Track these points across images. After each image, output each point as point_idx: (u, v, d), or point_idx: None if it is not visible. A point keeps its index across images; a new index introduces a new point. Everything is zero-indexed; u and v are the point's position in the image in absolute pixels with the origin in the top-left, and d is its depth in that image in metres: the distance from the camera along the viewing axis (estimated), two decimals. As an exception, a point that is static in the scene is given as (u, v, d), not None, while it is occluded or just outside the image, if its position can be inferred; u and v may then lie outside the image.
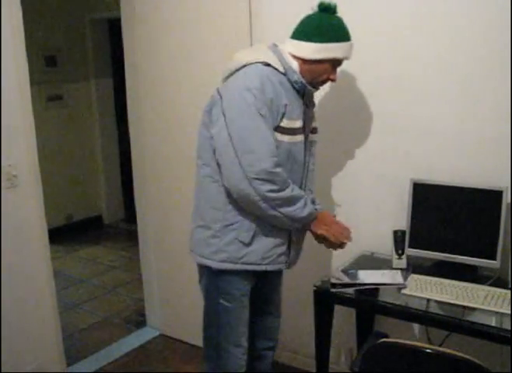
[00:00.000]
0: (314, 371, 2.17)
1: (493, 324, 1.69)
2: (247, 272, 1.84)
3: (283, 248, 1.86)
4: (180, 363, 2.80)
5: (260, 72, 1.70)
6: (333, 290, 1.96)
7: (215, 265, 1.82)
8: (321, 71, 1.78)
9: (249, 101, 1.65)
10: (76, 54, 4.87)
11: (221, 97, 1.73)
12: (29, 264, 2.35)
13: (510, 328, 1.65)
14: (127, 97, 2.93)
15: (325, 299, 2.01)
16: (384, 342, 1.55)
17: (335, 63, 1.79)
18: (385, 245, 2.21)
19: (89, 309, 3.47)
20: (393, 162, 2.23)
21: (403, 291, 1.90)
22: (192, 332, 2.94)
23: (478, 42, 1.96)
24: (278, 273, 2.08)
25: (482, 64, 1.97)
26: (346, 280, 2.00)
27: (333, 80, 1.83)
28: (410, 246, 2.11)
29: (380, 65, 2.17)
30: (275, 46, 1.82)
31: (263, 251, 1.81)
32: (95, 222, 5.22)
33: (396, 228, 2.15)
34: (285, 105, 1.71)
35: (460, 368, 1.41)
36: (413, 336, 2.30)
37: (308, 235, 1.93)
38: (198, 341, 2.92)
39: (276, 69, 1.74)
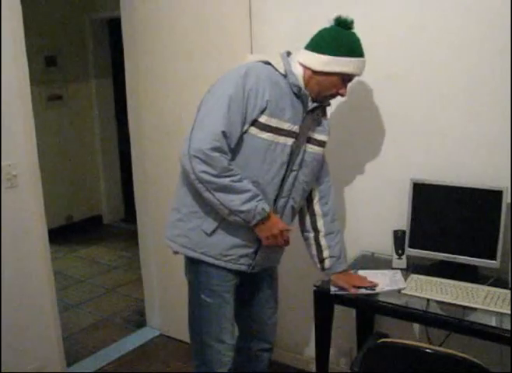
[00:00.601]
0: (314, 371, 2.17)
1: (493, 324, 1.69)
2: (224, 268, 1.82)
3: (247, 250, 1.82)
4: (180, 363, 2.80)
5: (250, 65, 1.72)
6: (332, 292, 1.96)
7: (175, 248, 1.85)
8: (330, 85, 1.77)
9: (223, 87, 1.69)
10: (76, 54, 4.87)
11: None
12: (29, 264, 2.35)
13: (510, 328, 1.65)
14: (127, 97, 2.93)
15: (325, 299, 2.00)
16: (383, 342, 1.55)
17: (345, 78, 1.78)
18: (385, 245, 2.21)
19: (89, 309, 3.47)
20: (393, 162, 2.23)
21: (403, 291, 1.90)
22: (192, 332, 2.94)
23: (478, 42, 1.96)
24: (268, 275, 2.04)
25: (482, 64, 1.97)
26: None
27: (342, 95, 1.81)
28: (410, 246, 2.11)
29: (381, 66, 2.16)
30: (288, 53, 1.84)
31: (222, 247, 1.79)
32: (95, 222, 5.22)
33: (396, 228, 2.15)
34: (267, 101, 1.69)
35: (460, 368, 1.41)
36: (413, 336, 2.31)
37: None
38: (198, 341, 2.93)
39: (277, 69, 1.75)
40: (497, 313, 1.74)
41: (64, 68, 4.79)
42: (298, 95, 1.77)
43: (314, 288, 2.03)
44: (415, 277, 2.00)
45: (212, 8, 2.44)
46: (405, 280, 1.98)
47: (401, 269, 2.08)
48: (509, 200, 1.94)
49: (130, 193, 3.39)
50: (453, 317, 1.74)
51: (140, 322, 3.23)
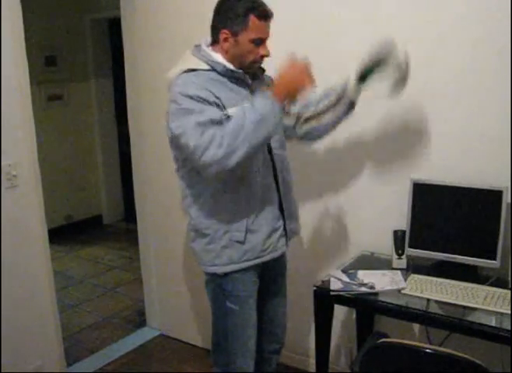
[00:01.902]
0: (314, 371, 2.17)
1: (493, 324, 1.69)
2: (249, 271, 1.84)
3: (279, 232, 1.88)
4: (180, 363, 2.80)
5: (179, 81, 1.72)
6: (332, 292, 1.96)
7: (220, 270, 1.83)
8: (244, 53, 1.75)
9: (180, 102, 1.67)
10: (76, 54, 4.87)
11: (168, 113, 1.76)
12: (29, 264, 2.35)
13: (510, 328, 1.65)
14: (127, 97, 2.93)
15: (325, 299, 2.00)
16: (383, 342, 1.55)
17: (255, 41, 1.74)
18: (385, 245, 2.21)
19: (89, 309, 3.47)
20: (393, 162, 2.23)
21: (403, 291, 1.90)
22: (192, 332, 2.94)
23: (478, 42, 1.96)
24: (281, 275, 2.08)
25: (482, 63, 1.97)
26: (346, 279, 2.00)
27: (264, 56, 1.78)
28: (410, 246, 2.11)
29: (380, 65, 2.17)
30: (197, 46, 1.82)
31: (261, 244, 1.82)
32: (95, 222, 5.22)
33: (396, 228, 2.15)
34: (218, 97, 1.68)
35: (460, 368, 1.41)
36: (413, 336, 2.30)
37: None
38: (198, 341, 2.93)
39: (201, 69, 1.74)
40: (497, 313, 1.73)
41: (64, 68, 4.79)
42: (233, 77, 1.76)
43: (314, 288, 2.02)
44: (415, 277, 2.00)
45: (212, 8, 2.43)
46: (405, 280, 1.98)
47: (401, 269, 2.08)
48: (509, 200, 1.94)
49: (130, 193, 3.39)
50: (453, 317, 1.74)
51: (140, 322, 3.23)
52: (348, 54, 2.27)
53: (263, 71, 1.91)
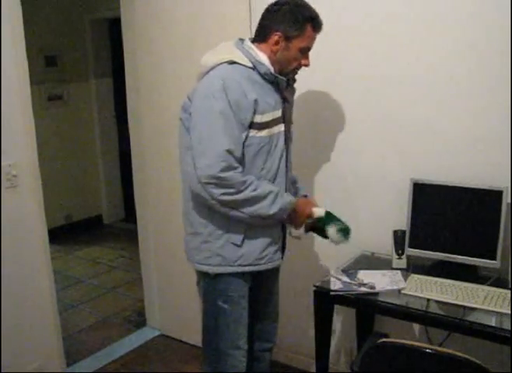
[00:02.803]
0: (314, 371, 2.17)
1: (493, 324, 1.69)
2: (243, 273, 1.83)
3: (278, 244, 1.87)
4: (180, 363, 2.80)
5: (223, 73, 1.69)
6: (332, 292, 1.96)
7: (212, 270, 1.81)
8: (290, 59, 1.76)
9: (209, 106, 1.66)
10: (76, 54, 4.87)
11: (191, 103, 1.75)
12: (29, 264, 2.35)
13: (510, 328, 1.65)
14: (127, 97, 2.93)
15: (325, 299, 2.00)
16: (383, 342, 1.55)
17: (302, 50, 1.76)
18: (385, 245, 2.21)
19: (89, 309, 3.47)
20: (393, 162, 2.23)
21: (403, 291, 1.90)
22: (192, 332, 2.94)
23: (478, 42, 1.96)
24: (273, 274, 2.05)
25: (482, 64, 1.97)
26: (346, 279, 2.00)
27: (306, 65, 1.80)
28: (410, 246, 2.11)
29: (381, 66, 2.17)
30: (241, 41, 1.80)
31: (258, 251, 1.81)
32: (95, 222, 5.21)
33: (396, 228, 2.15)
34: (255, 100, 1.68)
35: (460, 368, 1.41)
36: (413, 336, 2.30)
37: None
38: (198, 341, 2.92)
39: (243, 65, 1.72)
40: (497, 313, 1.74)
41: (64, 68, 4.79)
42: (272, 81, 1.76)
43: (314, 288, 2.02)
44: (415, 277, 2.00)
45: (211, 8, 2.44)
46: (405, 280, 1.98)
47: (401, 269, 2.08)
48: (509, 200, 1.94)
49: (130, 193, 3.39)
50: (453, 317, 1.74)
51: (140, 322, 3.23)
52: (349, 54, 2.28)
53: (294, 80, 1.91)
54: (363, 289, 1.93)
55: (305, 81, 2.36)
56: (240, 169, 1.68)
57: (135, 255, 3.66)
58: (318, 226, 1.90)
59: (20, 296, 2.33)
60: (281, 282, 2.17)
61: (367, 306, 1.97)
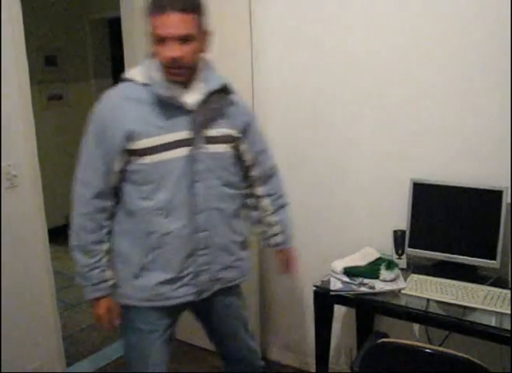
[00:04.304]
0: (314, 371, 2.17)
1: (493, 324, 1.69)
2: (151, 309, 1.64)
3: (183, 280, 1.62)
4: (180, 363, 2.79)
5: (105, 94, 1.60)
6: (332, 292, 1.96)
7: (117, 299, 1.67)
8: (159, 57, 1.49)
9: (88, 130, 1.60)
10: (76, 54, 4.87)
11: None
12: (29, 264, 2.35)
13: (510, 328, 1.65)
14: (127, 97, 2.92)
15: (325, 299, 2.01)
16: (383, 342, 1.55)
17: (157, 40, 1.47)
18: (385, 245, 2.21)
19: (89, 309, 3.46)
20: (393, 162, 2.23)
21: (403, 291, 1.90)
22: (192, 332, 2.94)
23: (478, 42, 1.96)
24: (226, 298, 1.77)
25: (483, 63, 1.97)
26: (346, 279, 2.00)
27: (166, 58, 1.47)
28: (410, 246, 2.11)
29: (380, 66, 2.17)
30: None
31: (152, 287, 1.61)
32: (95, 222, 5.20)
33: (396, 228, 2.15)
34: (129, 128, 1.50)
35: (460, 368, 1.41)
36: (413, 336, 2.30)
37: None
38: (198, 341, 2.93)
39: (136, 81, 1.55)
40: (497, 313, 1.74)
41: (64, 68, 4.79)
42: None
43: (314, 288, 2.03)
44: (415, 277, 2.00)
45: (211, 8, 2.43)
46: (405, 280, 1.98)
47: (400, 269, 2.08)
48: (509, 200, 1.94)
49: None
50: (453, 317, 1.74)
51: (140, 322, 3.23)
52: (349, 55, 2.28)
53: (225, 90, 1.62)
54: (363, 289, 1.93)
55: (305, 80, 2.36)
56: (106, 213, 1.61)
57: (135, 255, 3.65)
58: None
59: (20, 296, 2.32)
60: (281, 282, 2.18)
61: (367, 306, 1.97)
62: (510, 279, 2.00)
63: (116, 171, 1.57)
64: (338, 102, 2.31)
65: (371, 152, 2.27)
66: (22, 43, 2.23)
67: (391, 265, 1.98)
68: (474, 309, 1.77)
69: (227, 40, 2.41)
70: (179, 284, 1.62)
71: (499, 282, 1.94)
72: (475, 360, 1.39)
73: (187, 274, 1.62)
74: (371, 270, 2.01)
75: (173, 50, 1.46)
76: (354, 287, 1.95)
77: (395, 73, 2.15)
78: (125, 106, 1.53)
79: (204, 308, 1.77)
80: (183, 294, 1.64)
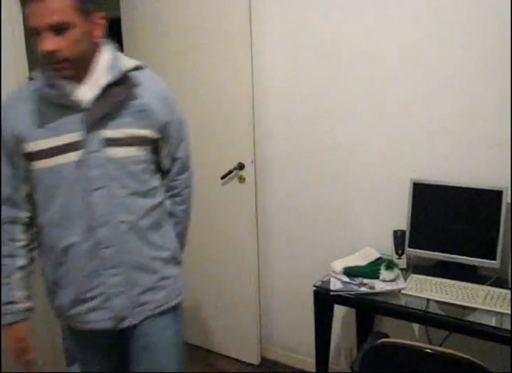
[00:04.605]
0: (314, 371, 2.18)
1: (493, 324, 1.69)
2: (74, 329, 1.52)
3: (93, 302, 1.43)
4: (180, 363, 2.79)
5: (6, 97, 1.43)
6: (332, 292, 1.96)
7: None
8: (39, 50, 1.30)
9: None
10: (76, 54, 4.85)
11: None
12: (29, 264, 2.35)
13: (510, 328, 1.65)
14: (127, 97, 2.92)
15: (325, 299, 2.01)
16: (383, 342, 1.55)
17: (32, 32, 1.29)
18: (385, 245, 2.21)
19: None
20: (393, 162, 2.23)
21: (403, 291, 1.90)
22: (192, 332, 2.94)
23: (477, 42, 1.96)
24: (149, 326, 1.54)
25: (482, 64, 1.97)
26: (346, 279, 2.00)
27: (46, 51, 1.26)
28: (410, 246, 2.11)
29: (380, 66, 2.17)
30: None
31: (63, 306, 1.47)
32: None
33: (396, 228, 2.15)
34: (16, 133, 1.35)
35: (460, 368, 1.40)
36: (413, 336, 2.31)
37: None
38: (198, 341, 2.93)
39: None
40: (497, 313, 1.74)
41: (64, 68, 4.78)
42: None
43: (314, 288, 2.03)
44: (415, 277, 2.00)
45: (211, 8, 2.44)
46: (405, 280, 1.98)
47: (401, 269, 2.08)
48: (509, 200, 1.94)
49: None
50: (453, 317, 1.74)
51: (140, 322, 3.22)
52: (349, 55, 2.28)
53: (130, 84, 1.42)
54: (363, 289, 1.93)
55: (305, 81, 2.37)
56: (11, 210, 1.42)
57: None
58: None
59: (20, 296, 2.32)
60: (281, 282, 2.18)
61: (367, 306, 1.97)
62: (510, 279, 2.01)
63: (23, 176, 1.41)
64: (338, 103, 2.31)
65: (371, 152, 2.27)
66: (22, 43, 2.24)
67: (391, 265, 1.98)
68: (474, 309, 1.77)
69: (227, 41, 2.41)
70: (89, 305, 1.43)
71: (499, 282, 1.94)
72: (475, 360, 1.39)
73: (96, 296, 1.42)
74: (371, 270, 2.01)
75: (47, 43, 1.25)
76: (354, 287, 1.95)
77: (395, 73, 2.15)
78: (16, 107, 1.37)
79: (126, 339, 1.54)
80: (97, 318, 1.44)
